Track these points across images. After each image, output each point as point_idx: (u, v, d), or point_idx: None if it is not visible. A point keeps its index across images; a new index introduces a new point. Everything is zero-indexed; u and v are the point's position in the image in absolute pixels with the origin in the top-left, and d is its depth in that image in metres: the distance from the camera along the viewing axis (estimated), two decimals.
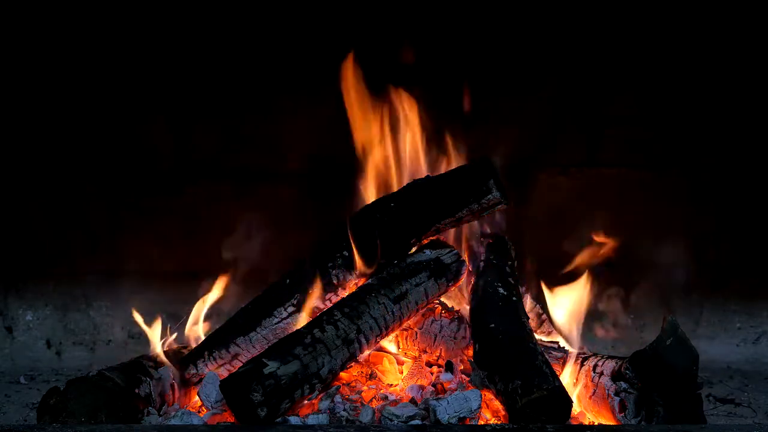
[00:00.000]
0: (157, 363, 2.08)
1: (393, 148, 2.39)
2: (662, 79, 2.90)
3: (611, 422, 1.86)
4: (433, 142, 2.41)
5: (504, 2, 2.82)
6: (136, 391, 1.93)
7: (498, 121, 2.86)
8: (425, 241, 2.20)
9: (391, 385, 2.11)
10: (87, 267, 2.96)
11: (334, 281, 2.15)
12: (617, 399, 1.83)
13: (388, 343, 2.23)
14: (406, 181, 2.30)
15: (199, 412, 2.00)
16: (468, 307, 2.19)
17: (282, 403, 1.80)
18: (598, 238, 2.37)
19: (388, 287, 2.05)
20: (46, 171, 2.91)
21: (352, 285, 2.16)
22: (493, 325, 1.98)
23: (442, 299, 2.25)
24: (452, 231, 2.30)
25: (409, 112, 2.39)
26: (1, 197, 2.90)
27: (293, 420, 1.82)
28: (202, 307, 2.30)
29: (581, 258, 2.41)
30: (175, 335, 2.25)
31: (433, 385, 2.04)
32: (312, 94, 2.86)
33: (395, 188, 2.32)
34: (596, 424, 1.90)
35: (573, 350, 2.09)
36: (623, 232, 2.88)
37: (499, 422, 1.87)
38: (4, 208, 2.91)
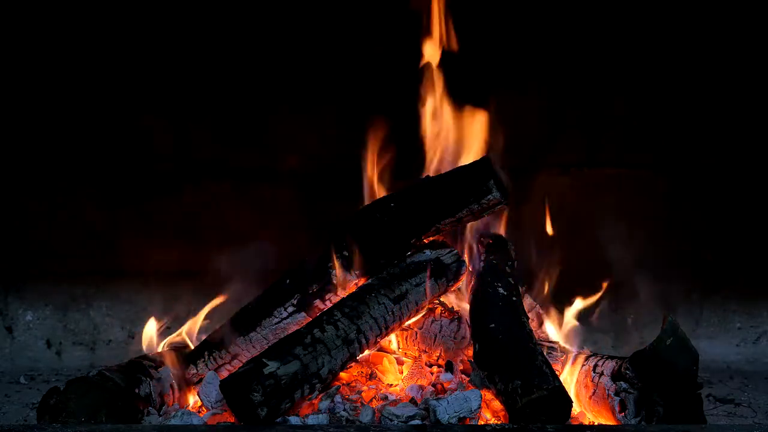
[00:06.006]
0: (157, 363, 2.08)
1: None
2: (662, 79, 2.90)
3: (611, 422, 1.85)
4: None
5: (506, 3, 2.83)
6: (136, 391, 1.93)
7: (498, 121, 2.86)
8: (425, 241, 2.20)
9: (391, 385, 2.11)
10: (87, 267, 2.97)
11: (334, 281, 2.15)
12: (617, 399, 1.83)
13: (388, 343, 2.23)
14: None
15: (199, 412, 2.00)
16: (468, 307, 2.19)
17: (282, 403, 1.80)
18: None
19: (388, 287, 2.05)
20: (46, 171, 2.91)
21: (352, 285, 2.16)
22: (493, 325, 1.98)
23: (442, 299, 2.25)
24: (452, 231, 2.30)
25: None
26: (1, 197, 2.90)
27: (293, 420, 1.82)
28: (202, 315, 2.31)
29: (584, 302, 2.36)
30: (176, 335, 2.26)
31: (433, 385, 2.04)
32: (313, 93, 2.86)
33: None
34: (596, 424, 1.90)
35: (573, 350, 2.09)
36: (623, 231, 2.90)
37: (499, 422, 1.87)
38: (4, 208, 2.91)
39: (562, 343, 2.20)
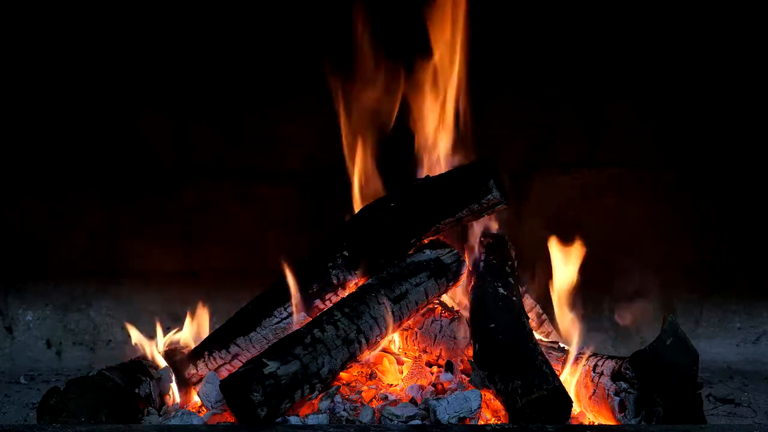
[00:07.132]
0: (157, 363, 2.08)
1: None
2: (662, 78, 2.90)
3: (611, 422, 1.85)
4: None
5: (507, 3, 2.82)
6: (136, 391, 1.93)
7: (498, 121, 2.86)
8: (425, 241, 2.20)
9: (391, 385, 2.11)
10: (87, 267, 2.97)
11: (334, 281, 2.15)
12: (617, 399, 1.83)
13: (389, 343, 2.22)
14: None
15: (199, 412, 2.00)
16: (468, 307, 2.19)
17: (282, 403, 1.80)
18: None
19: (388, 287, 2.05)
20: (47, 171, 2.91)
21: (352, 285, 2.16)
22: (493, 325, 1.98)
23: (442, 299, 2.25)
24: (452, 231, 2.30)
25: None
26: (1, 197, 2.90)
27: (293, 420, 1.82)
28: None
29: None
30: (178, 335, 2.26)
31: (433, 385, 2.04)
32: (312, 93, 2.86)
33: None
34: (596, 424, 1.90)
35: (573, 350, 2.09)
36: (623, 231, 2.90)
37: (499, 422, 1.87)
38: (4, 209, 2.91)
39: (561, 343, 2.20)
